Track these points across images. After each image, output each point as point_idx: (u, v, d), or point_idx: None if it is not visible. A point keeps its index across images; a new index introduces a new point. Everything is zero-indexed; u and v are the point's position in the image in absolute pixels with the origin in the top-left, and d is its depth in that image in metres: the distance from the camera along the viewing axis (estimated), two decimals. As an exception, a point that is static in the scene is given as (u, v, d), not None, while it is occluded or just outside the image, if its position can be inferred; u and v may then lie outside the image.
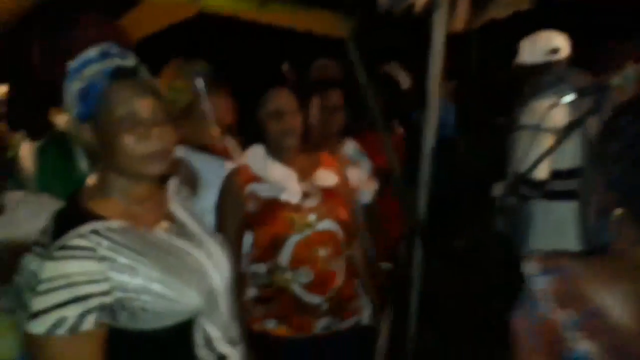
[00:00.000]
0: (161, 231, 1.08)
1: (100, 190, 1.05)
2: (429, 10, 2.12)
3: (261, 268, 1.64)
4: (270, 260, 1.61)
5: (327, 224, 1.65)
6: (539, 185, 2.22)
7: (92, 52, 1.03)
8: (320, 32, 3.26)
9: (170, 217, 1.14)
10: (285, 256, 1.60)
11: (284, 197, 1.62)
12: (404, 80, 3.01)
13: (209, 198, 1.74)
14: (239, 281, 1.64)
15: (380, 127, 2.23)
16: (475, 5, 3.38)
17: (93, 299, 0.92)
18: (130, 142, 1.00)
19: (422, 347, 2.34)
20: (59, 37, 1.08)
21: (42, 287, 0.90)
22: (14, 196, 1.55)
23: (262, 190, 1.64)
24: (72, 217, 0.98)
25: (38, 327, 0.89)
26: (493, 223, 2.38)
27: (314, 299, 1.62)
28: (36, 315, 0.89)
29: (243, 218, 1.63)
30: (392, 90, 2.84)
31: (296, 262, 1.59)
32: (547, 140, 2.23)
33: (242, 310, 1.64)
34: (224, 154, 1.93)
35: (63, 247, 0.92)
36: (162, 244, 1.05)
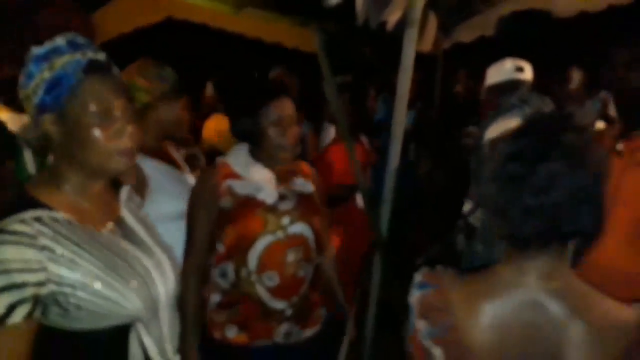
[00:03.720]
0: (107, 232, 1.04)
1: (50, 182, 1.01)
2: (399, 28, 2.14)
3: (228, 267, 1.60)
4: (238, 259, 1.58)
5: (299, 228, 1.63)
6: None
7: (60, 40, 0.98)
8: (289, 45, 3.28)
9: (119, 221, 1.10)
10: (253, 257, 1.57)
11: (260, 196, 1.61)
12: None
13: (156, 204, 1.67)
14: (203, 286, 1.62)
15: (346, 138, 2.22)
16: (443, 28, 3.47)
17: (28, 289, 0.87)
18: (103, 137, 0.98)
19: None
20: (23, 20, 1.01)
21: None
22: None
23: (239, 187, 1.61)
24: (15, 203, 0.94)
25: None
26: (454, 241, 2.40)
27: (278, 304, 1.59)
28: None
29: (216, 214, 1.59)
30: (357, 103, 2.87)
31: (264, 264, 1.57)
32: None
33: (203, 318, 1.62)
34: (172, 163, 1.89)
35: (1, 231, 0.88)
36: (107, 243, 1.02)
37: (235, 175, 1.64)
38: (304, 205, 1.69)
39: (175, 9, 3.97)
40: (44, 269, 0.89)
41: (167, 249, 1.17)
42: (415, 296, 0.97)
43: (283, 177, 1.70)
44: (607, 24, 3.91)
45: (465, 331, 0.88)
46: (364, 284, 2.29)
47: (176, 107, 1.81)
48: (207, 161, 2.36)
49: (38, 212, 0.93)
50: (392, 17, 2.13)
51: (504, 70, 2.59)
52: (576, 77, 3.62)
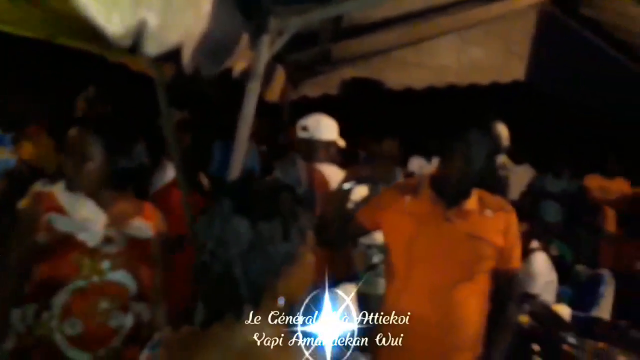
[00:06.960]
0: None
1: None
2: (244, 77, 2.21)
3: (30, 309, 1.45)
4: (42, 301, 1.44)
5: (119, 275, 1.53)
6: None
7: None
8: (135, 68, 3.15)
9: None
10: (59, 301, 1.44)
11: (81, 236, 1.49)
12: None
13: None
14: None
15: (181, 181, 2.18)
16: (291, 81, 3.68)
17: None
18: None
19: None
20: None
21: None
22: None
23: (61, 223, 1.48)
24: None
25: None
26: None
27: (78, 355, 1.46)
28: None
29: (30, 247, 1.46)
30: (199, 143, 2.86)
31: (68, 310, 1.45)
32: None
33: None
34: None
35: None
36: None
37: (58, 209, 1.51)
38: (133, 251, 1.58)
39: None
40: None
41: None
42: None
43: (118, 217, 1.59)
44: (431, 100, 4.55)
45: None
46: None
47: None
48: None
49: None
50: (238, 66, 2.20)
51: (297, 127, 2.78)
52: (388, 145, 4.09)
